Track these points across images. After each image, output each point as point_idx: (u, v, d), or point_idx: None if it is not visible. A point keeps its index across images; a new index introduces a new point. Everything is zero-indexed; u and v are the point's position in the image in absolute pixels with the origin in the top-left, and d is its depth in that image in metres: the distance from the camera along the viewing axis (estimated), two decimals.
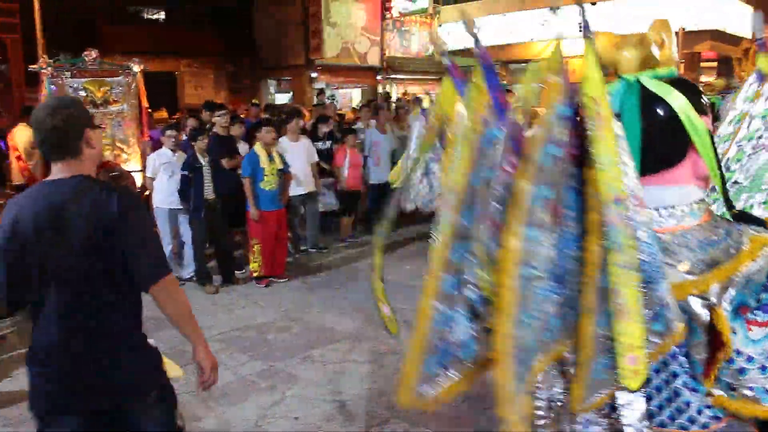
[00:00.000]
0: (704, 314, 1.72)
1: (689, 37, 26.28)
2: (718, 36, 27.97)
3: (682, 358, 1.74)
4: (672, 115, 1.86)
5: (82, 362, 2.45)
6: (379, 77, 29.11)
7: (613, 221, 1.60)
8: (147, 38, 23.76)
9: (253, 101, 12.09)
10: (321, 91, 17.11)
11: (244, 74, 28.27)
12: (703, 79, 32.74)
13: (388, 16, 29.07)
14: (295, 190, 8.31)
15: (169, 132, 7.57)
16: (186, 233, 7.42)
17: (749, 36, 30.54)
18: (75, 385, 2.46)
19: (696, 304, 1.73)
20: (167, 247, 7.45)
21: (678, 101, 1.88)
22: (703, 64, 31.47)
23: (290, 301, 6.80)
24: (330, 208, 9.55)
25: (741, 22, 30.62)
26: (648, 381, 1.72)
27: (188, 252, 7.47)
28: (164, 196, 7.38)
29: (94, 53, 9.58)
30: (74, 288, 2.42)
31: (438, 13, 31.65)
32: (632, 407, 1.74)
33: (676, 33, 24.33)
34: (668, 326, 1.66)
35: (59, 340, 2.44)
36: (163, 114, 13.77)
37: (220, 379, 4.81)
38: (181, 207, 7.31)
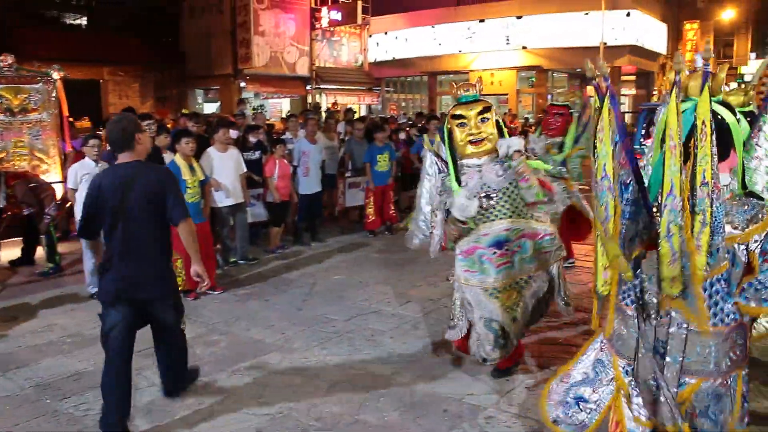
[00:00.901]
0: (743, 255, 2.73)
1: (609, 51, 27.28)
2: (636, 51, 29.09)
3: (723, 282, 2.74)
4: (725, 126, 2.71)
5: (133, 270, 4.14)
6: (308, 87, 29.05)
7: (700, 195, 2.52)
8: (68, 44, 23.07)
9: (183, 111, 11.88)
10: (242, 101, 16.90)
11: (170, 83, 27.75)
12: (624, 92, 33.99)
13: (317, 26, 29.07)
14: (223, 201, 8.21)
15: (92, 142, 7.35)
16: None
17: (664, 51, 31.81)
18: (127, 284, 4.14)
19: (739, 250, 2.73)
20: (90, 261, 7.23)
21: (728, 116, 2.74)
22: (623, 78, 32.63)
23: (218, 314, 6.69)
24: (259, 219, 9.47)
25: (657, 38, 31.94)
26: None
27: None
28: None
29: (9, 59, 9.27)
30: (133, 224, 4.08)
31: (367, 24, 31.85)
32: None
33: (597, 48, 25.15)
34: (718, 261, 2.64)
35: (121, 255, 4.11)
36: (86, 123, 13.38)
37: (145, 396, 4.74)
38: None
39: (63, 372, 5.27)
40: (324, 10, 28.98)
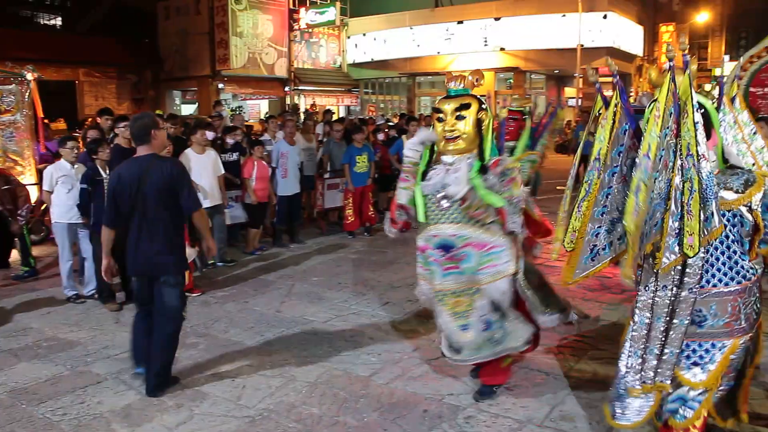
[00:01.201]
0: (749, 215, 3.23)
1: (586, 53, 27.48)
2: (613, 53, 29.31)
3: (727, 243, 3.24)
4: (704, 111, 3.23)
5: (147, 250, 4.74)
6: (287, 89, 28.99)
7: (686, 165, 3.02)
8: (42, 45, 22.80)
9: (157, 112, 11.77)
10: (218, 103, 16.80)
11: (147, 84, 27.55)
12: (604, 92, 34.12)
13: (295, 27, 29.03)
14: (202, 203, 8.15)
15: (70, 144, 7.27)
16: (86, 249, 7.15)
17: (641, 53, 32.14)
18: (142, 262, 4.79)
19: (744, 210, 3.22)
20: (66, 264, 7.17)
21: (706, 103, 3.31)
22: (599, 79, 32.91)
23: (197, 317, 6.65)
24: (237, 220, 9.43)
25: (633, 40, 32.26)
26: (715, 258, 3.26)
27: (89, 268, 7.19)
28: (63, 210, 7.09)
29: None
30: (148, 210, 4.69)
31: (346, 25, 31.85)
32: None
33: (574, 49, 25.34)
34: (713, 225, 3.03)
35: (136, 240, 4.75)
36: (62, 125, 13.26)
37: (123, 400, 4.70)
38: (80, 222, 7.03)
39: (38, 376, 5.21)
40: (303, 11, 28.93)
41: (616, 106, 3.59)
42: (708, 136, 3.18)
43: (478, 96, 4.42)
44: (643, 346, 3.44)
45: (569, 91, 34.17)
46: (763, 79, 9.96)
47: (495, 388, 4.68)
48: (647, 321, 3.41)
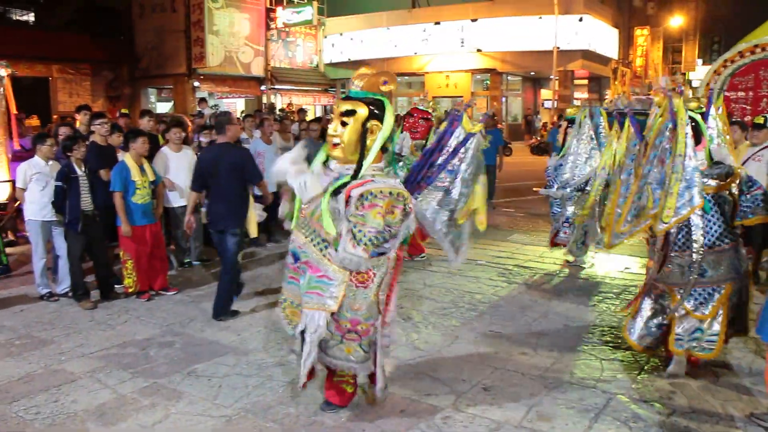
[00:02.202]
0: (728, 197, 4.66)
1: (562, 55, 27.71)
2: (588, 55, 29.64)
3: (724, 216, 4.71)
4: (695, 123, 4.54)
5: (218, 210, 6.40)
6: (263, 87, 28.87)
7: (676, 162, 4.17)
8: (15, 40, 22.46)
9: (122, 110, 11.60)
10: (203, 100, 16.66)
11: (122, 82, 27.27)
12: (577, 95, 34.55)
13: (272, 26, 28.91)
14: (177, 202, 8.11)
15: (49, 141, 7.18)
16: (60, 246, 7.06)
17: (616, 56, 32.59)
18: (215, 218, 6.45)
19: (725, 194, 4.65)
20: (40, 262, 7.08)
21: (698, 118, 4.64)
22: (576, 82, 33.22)
23: (173, 315, 6.60)
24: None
25: (609, 43, 32.60)
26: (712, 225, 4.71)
27: (63, 266, 7.11)
28: (37, 207, 7.00)
29: None
30: (221, 182, 6.34)
31: (323, 25, 31.79)
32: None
33: (550, 52, 25.55)
34: (694, 203, 4.17)
35: (216, 202, 6.44)
36: (35, 122, 13.08)
37: (97, 399, 4.65)
38: (55, 219, 6.95)
39: (12, 374, 5.13)
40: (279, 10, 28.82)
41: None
42: (698, 141, 4.49)
43: (382, 100, 3.94)
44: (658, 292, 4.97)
45: (545, 93, 34.46)
46: (736, 83, 10.12)
47: (335, 407, 4.40)
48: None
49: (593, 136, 7.41)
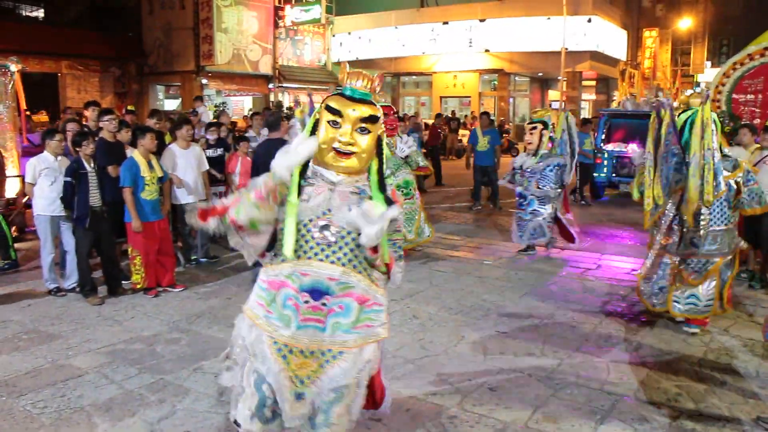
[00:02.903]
0: (734, 185, 5.91)
1: (571, 56, 27.65)
2: (596, 57, 29.56)
3: (723, 201, 5.89)
4: (715, 126, 5.73)
5: None
6: (271, 86, 28.90)
7: (707, 156, 5.51)
8: (25, 36, 22.53)
9: (128, 107, 11.64)
10: (198, 98, 16.65)
11: (130, 78, 27.32)
12: (585, 96, 34.50)
13: (280, 24, 28.93)
14: (185, 199, 8.12)
15: (59, 136, 7.22)
16: (68, 242, 7.09)
17: (624, 58, 32.53)
18: None
19: (732, 182, 5.90)
20: (48, 257, 7.10)
21: (718, 121, 5.83)
22: (584, 83, 33.14)
23: (179, 312, 6.62)
24: None
25: (617, 44, 32.51)
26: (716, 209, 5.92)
27: (71, 261, 7.14)
28: (46, 203, 7.03)
29: None
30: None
31: (331, 23, 31.81)
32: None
33: (558, 52, 25.51)
34: (721, 188, 5.64)
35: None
36: (44, 117, 13.13)
37: (104, 394, 4.67)
38: (63, 214, 6.98)
39: (19, 369, 5.16)
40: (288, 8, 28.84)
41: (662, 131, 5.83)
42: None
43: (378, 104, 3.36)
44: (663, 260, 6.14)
45: (553, 94, 34.39)
46: (745, 86, 10.09)
47: None
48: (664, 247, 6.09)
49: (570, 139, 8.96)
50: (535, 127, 8.96)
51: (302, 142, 3.09)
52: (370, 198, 3.12)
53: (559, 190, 8.87)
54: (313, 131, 3.21)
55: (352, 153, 3.14)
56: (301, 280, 3.13)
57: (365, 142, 3.16)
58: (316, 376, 3.20)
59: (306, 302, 3.14)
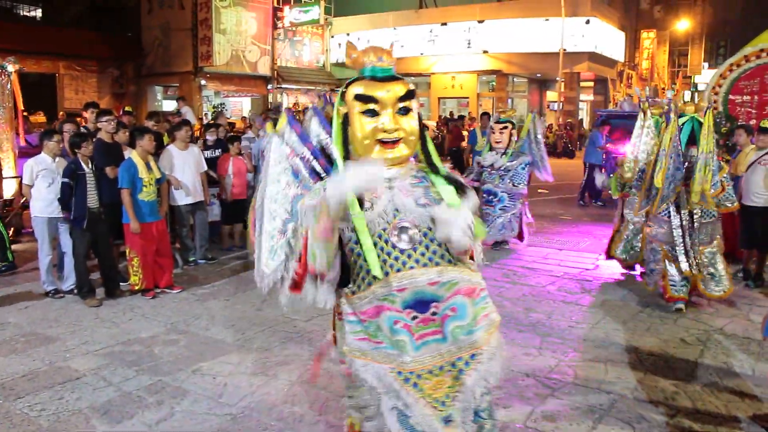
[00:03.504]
0: (719, 184, 6.65)
1: (569, 57, 27.66)
2: (594, 58, 29.59)
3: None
4: (698, 127, 6.55)
5: None
6: (269, 87, 28.87)
7: (708, 157, 6.36)
8: (22, 36, 22.47)
9: (126, 108, 11.62)
10: (181, 99, 16.59)
11: (129, 79, 27.28)
12: (583, 97, 34.52)
13: (279, 25, 28.90)
14: (183, 200, 8.13)
15: (57, 137, 7.22)
16: (66, 243, 7.09)
17: (622, 59, 32.50)
18: None
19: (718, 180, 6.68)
20: (46, 259, 7.10)
21: (700, 122, 6.58)
22: (582, 84, 33.17)
23: (177, 313, 6.62)
24: (218, 218, 9.40)
25: (615, 46, 32.54)
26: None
27: (68, 263, 7.13)
28: (43, 204, 7.02)
29: None
30: None
31: (330, 24, 31.80)
32: None
33: (557, 54, 25.52)
34: (718, 188, 6.54)
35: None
36: (41, 118, 13.12)
37: (102, 396, 4.66)
38: (61, 216, 6.98)
39: (16, 371, 5.16)
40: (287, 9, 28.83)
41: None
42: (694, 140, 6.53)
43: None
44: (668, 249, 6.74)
45: (551, 95, 34.40)
46: (742, 87, 10.11)
47: None
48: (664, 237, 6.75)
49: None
50: (505, 127, 9.28)
51: (360, 167, 2.54)
52: (432, 185, 2.80)
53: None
54: (344, 131, 2.82)
55: (399, 139, 2.77)
56: (401, 297, 2.72)
57: (410, 123, 2.79)
58: (455, 392, 2.78)
59: (414, 318, 2.74)
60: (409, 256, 2.72)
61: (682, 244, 6.60)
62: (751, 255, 7.76)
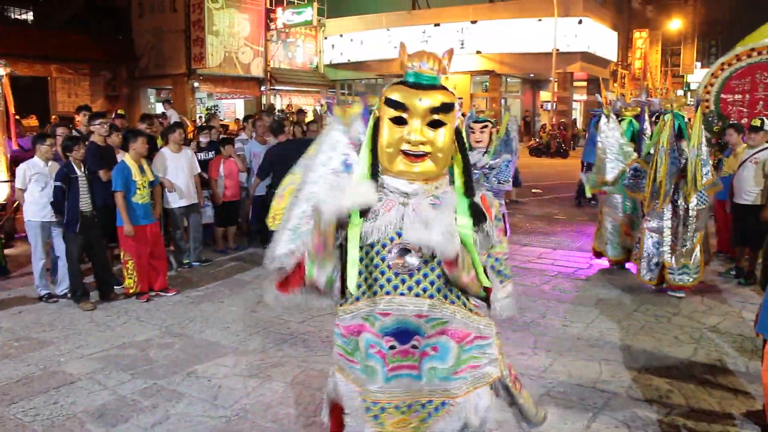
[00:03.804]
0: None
1: (562, 58, 27.72)
2: (587, 58, 29.66)
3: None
4: (682, 124, 7.07)
5: None
6: (263, 88, 28.87)
7: (698, 150, 6.74)
8: (13, 39, 22.41)
9: (118, 111, 11.58)
10: (166, 101, 16.58)
11: (121, 82, 27.22)
12: (576, 97, 34.59)
13: (272, 27, 28.91)
14: (177, 202, 8.12)
15: (49, 141, 7.21)
16: (60, 247, 7.07)
17: (615, 59, 32.61)
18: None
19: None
20: (39, 263, 7.08)
21: (683, 119, 7.16)
22: (575, 84, 33.24)
23: (172, 316, 6.61)
24: (212, 220, 9.39)
25: (608, 45, 32.62)
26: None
27: (62, 267, 7.12)
28: (36, 208, 7.00)
29: None
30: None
31: (323, 26, 31.80)
32: None
33: (550, 54, 25.56)
34: (708, 179, 6.84)
35: (273, 184, 7.32)
36: (33, 122, 13.09)
37: (97, 400, 4.65)
38: (54, 220, 6.96)
39: (10, 376, 5.14)
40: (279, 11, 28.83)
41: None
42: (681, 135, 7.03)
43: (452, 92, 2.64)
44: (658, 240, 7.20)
45: (544, 95, 34.47)
46: (733, 86, 10.16)
47: None
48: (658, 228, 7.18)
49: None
50: (486, 126, 9.25)
51: (362, 185, 2.43)
52: (452, 209, 2.46)
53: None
54: (374, 136, 2.55)
55: (426, 154, 2.46)
56: (382, 322, 2.48)
57: (441, 138, 2.47)
58: None
59: (392, 348, 2.49)
60: (403, 281, 2.46)
61: (669, 236, 7.11)
62: (743, 252, 7.80)
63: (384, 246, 2.45)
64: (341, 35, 32.57)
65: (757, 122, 7.77)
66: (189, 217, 8.48)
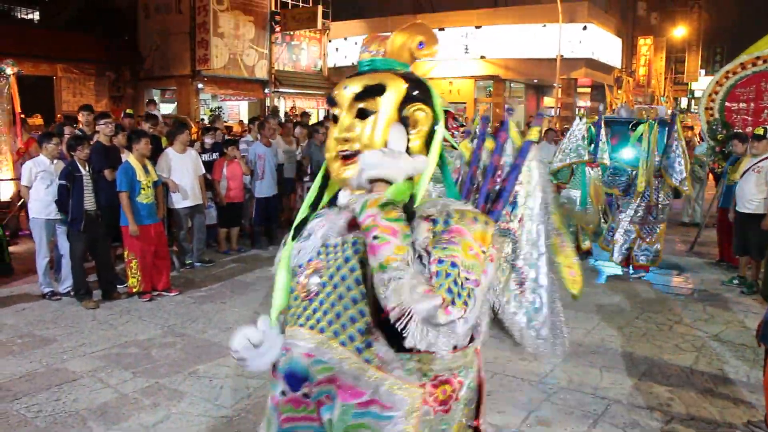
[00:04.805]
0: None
1: (566, 64, 27.73)
2: (591, 64, 29.68)
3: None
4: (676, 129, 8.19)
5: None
6: (267, 90, 28.88)
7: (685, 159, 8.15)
8: (19, 39, 22.43)
9: (127, 111, 11.60)
10: (151, 102, 16.61)
11: (126, 82, 27.25)
12: (580, 103, 34.58)
13: (277, 29, 28.93)
14: (181, 203, 8.14)
15: (55, 140, 7.24)
16: (64, 245, 7.10)
17: (619, 65, 32.58)
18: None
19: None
20: (43, 260, 7.11)
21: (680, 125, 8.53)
22: (579, 90, 33.27)
23: (174, 316, 6.63)
24: (214, 221, 9.42)
25: (612, 52, 32.61)
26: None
27: (66, 265, 7.14)
28: (41, 206, 7.03)
29: None
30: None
31: (327, 29, 31.84)
32: None
33: (554, 60, 25.54)
34: (683, 175, 8.07)
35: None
36: (38, 121, 13.11)
37: (99, 398, 4.66)
38: (58, 218, 6.99)
39: (13, 373, 5.16)
40: None
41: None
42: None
43: (418, 77, 2.17)
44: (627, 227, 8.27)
45: (548, 101, 34.48)
46: (738, 94, 10.16)
47: None
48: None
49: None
50: None
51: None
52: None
53: None
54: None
55: (355, 153, 1.91)
56: (282, 360, 1.93)
57: (368, 130, 1.91)
58: None
59: (283, 394, 1.90)
60: (304, 309, 1.88)
61: (638, 225, 8.25)
62: (746, 262, 7.81)
63: (300, 266, 1.95)
64: (345, 38, 32.64)
65: (760, 131, 7.78)
66: (193, 218, 8.50)
